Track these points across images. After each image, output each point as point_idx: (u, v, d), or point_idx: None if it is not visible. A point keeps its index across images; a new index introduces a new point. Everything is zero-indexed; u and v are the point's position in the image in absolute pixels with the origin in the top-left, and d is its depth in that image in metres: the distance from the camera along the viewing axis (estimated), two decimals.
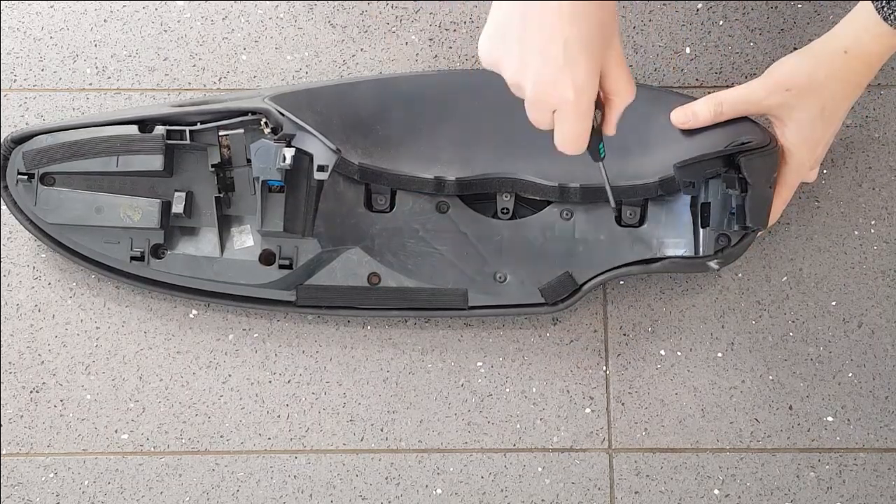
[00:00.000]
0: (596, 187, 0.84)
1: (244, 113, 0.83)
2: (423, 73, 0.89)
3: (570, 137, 0.69)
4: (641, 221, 0.85)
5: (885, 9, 0.72)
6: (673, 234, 0.84)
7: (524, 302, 0.84)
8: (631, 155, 0.84)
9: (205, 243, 0.85)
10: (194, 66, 0.92)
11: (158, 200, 0.83)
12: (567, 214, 0.86)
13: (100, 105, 0.91)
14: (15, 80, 0.92)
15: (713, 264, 0.82)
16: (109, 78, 0.92)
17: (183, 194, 0.84)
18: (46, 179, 0.84)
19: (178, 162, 0.85)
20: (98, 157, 0.83)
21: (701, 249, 0.82)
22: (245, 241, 0.84)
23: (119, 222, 0.83)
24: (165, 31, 0.93)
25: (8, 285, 0.88)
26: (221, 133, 0.83)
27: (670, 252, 0.84)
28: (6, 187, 0.84)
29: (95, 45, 0.93)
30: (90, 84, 0.92)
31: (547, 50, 0.64)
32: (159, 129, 0.83)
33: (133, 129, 0.83)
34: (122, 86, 0.92)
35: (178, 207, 0.83)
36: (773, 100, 0.79)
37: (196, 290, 0.85)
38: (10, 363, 0.87)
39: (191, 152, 0.84)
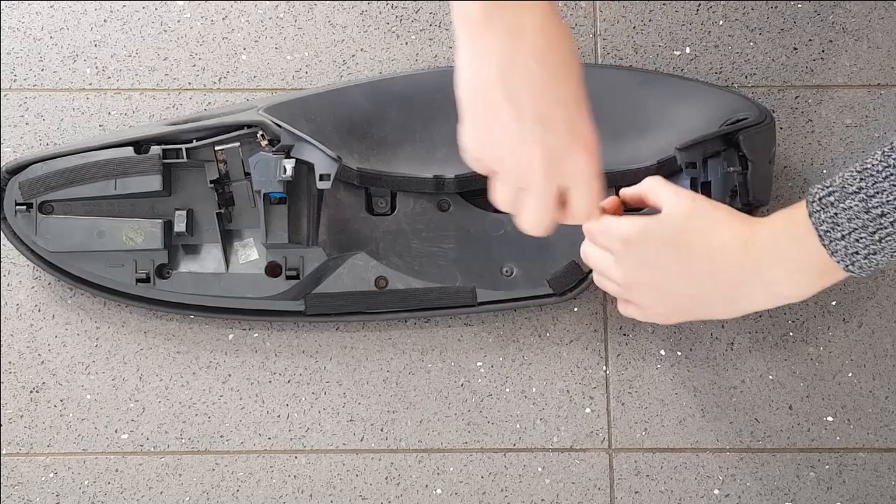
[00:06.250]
0: None
1: (240, 127, 0.83)
2: (413, 72, 0.88)
3: (591, 204, 0.64)
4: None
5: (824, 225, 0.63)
6: None
7: (532, 294, 0.84)
8: (626, 139, 0.84)
9: (209, 260, 0.84)
10: (194, 66, 0.92)
11: (160, 221, 0.83)
12: None
13: (100, 105, 0.91)
14: (15, 80, 0.92)
15: None
16: (109, 78, 0.92)
17: (184, 212, 0.83)
18: (45, 208, 0.83)
19: (175, 180, 0.84)
20: (95, 182, 0.83)
21: None
22: (249, 254, 0.84)
23: (122, 245, 0.83)
24: (165, 31, 0.93)
25: (8, 285, 0.88)
26: (217, 148, 0.82)
27: None
28: (4, 219, 0.84)
29: (95, 45, 0.93)
30: (90, 84, 0.92)
31: (547, 118, 0.60)
32: (155, 150, 0.82)
33: (128, 151, 0.83)
34: (122, 86, 0.92)
35: (179, 226, 0.83)
36: (679, 197, 0.71)
37: (205, 308, 0.85)
38: (10, 363, 0.87)
39: (188, 170, 0.84)
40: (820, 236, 0.63)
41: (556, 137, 0.61)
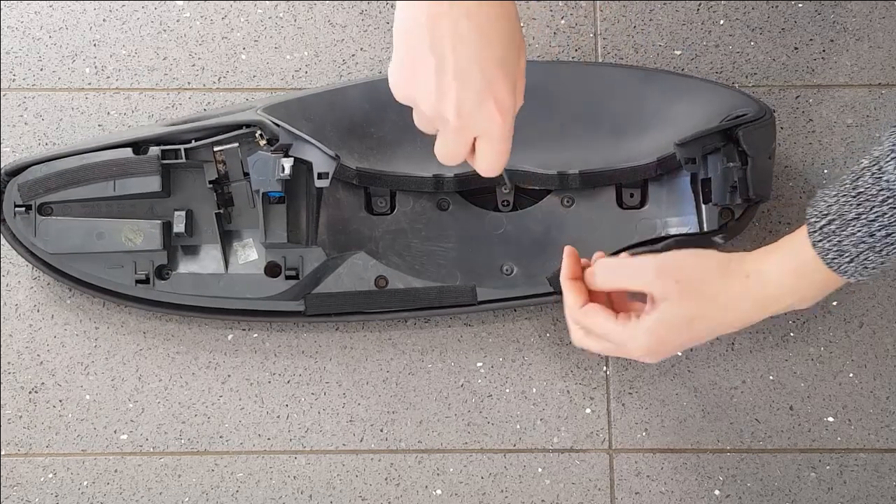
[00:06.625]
0: (595, 172, 0.84)
1: (238, 127, 0.82)
2: None
3: (498, 159, 0.65)
4: (643, 203, 0.85)
5: (817, 235, 0.67)
6: (675, 213, 0.84)
7: (533, 293, 0.84)
8: (626, 137, 0.84)
9: (209, 260, 0.84)
10: (193, 65, 0.92)
11: (159, 221, 0.83)
12: (568, 202, 0.86)
13: (99, 105, 0.91)
14: (14, 80, 0.92)
15: (718, 239, 0.83)
16: (108, 77, 0.92)
17: (183, 213, 0.83)
18: (44, 209, 0.83)
19: (174, 181, 0.84)
20: (94, 183, 0.83)
21: (705, 225, 0.82)
22: (249, 254, 0.84)
23: (121, 246, 0.83)
24: (164, 30, 0.93)
25: (7, 285, 0.88)
26: (216, 149, 0.82)
27: (674, 231, 0.84)
28: (4, 221, 0.83)
29: (94, 45, 0.92)
30: (89, 84, 0.92)
31: (465, 74, 0.61)
32: (153, 150, 0.82)
33: (127, 152, 0.83)
34: (122, 85, 0.92)
35: (179, 227, 0.83)
36: (658, 285, 0.71)
37: (204, 309, 0.84)
38: (9, 363, 0.86)
39: (187, 170, 0.84)
40: (828, 264, 0.66)
41: (472, 94, 0.62)
